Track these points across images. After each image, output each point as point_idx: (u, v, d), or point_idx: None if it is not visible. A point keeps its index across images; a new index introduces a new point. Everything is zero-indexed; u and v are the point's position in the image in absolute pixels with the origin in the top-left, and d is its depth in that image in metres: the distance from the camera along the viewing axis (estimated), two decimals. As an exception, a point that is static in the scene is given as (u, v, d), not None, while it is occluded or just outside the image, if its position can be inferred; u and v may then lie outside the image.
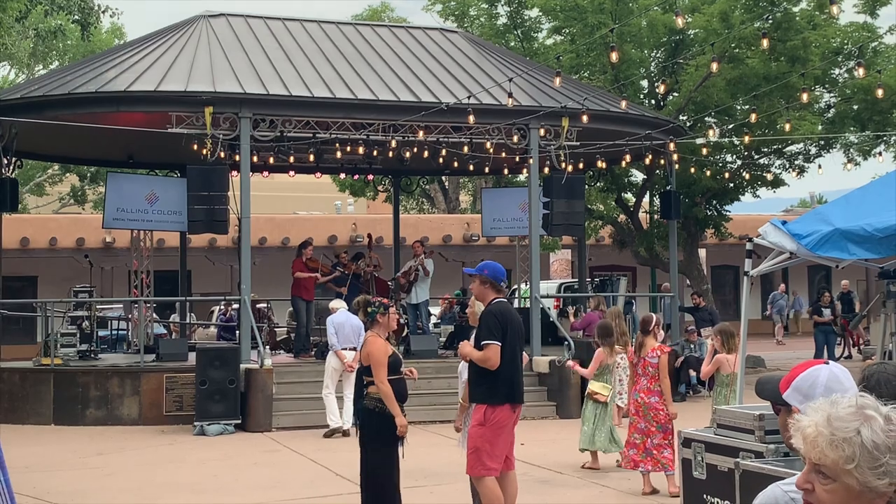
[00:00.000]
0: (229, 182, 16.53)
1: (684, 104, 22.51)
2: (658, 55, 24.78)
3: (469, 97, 16.70)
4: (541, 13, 24.97)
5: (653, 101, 24.35)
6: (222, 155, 16.40)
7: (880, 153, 24.06)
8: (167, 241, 26.04)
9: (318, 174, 23.61)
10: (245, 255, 16.58)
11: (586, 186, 21.02)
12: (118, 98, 16.43)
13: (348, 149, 18.62)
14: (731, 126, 22.63)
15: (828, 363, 3.15)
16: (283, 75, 17.33)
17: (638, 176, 26.21)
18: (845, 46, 22.57)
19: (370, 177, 25.66)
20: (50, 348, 17.13)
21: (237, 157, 16.78)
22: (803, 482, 2.26)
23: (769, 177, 24.45)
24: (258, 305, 22.88)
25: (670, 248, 20.72)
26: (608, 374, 11.99)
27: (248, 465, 12.34)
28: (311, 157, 19.58)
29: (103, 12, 31.58)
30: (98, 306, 20.97)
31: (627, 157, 19.59)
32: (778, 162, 24.86)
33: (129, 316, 21.71)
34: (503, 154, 18.74)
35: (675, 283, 20.47)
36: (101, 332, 21.53)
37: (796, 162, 24.46)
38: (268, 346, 17.93)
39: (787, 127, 18.61)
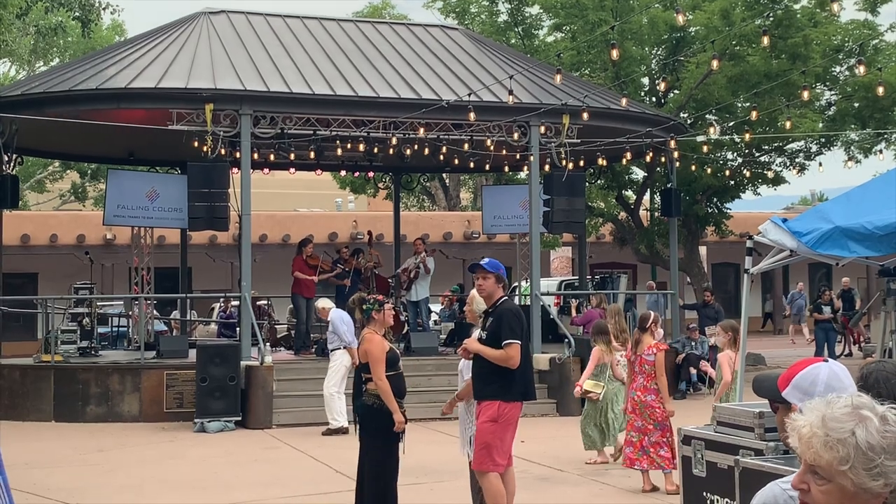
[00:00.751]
0: (230, 179, 16.53)
1: (685, 101, 22.51)
2: (659, 52, 24.78)
3: (470, 94, 16.69)
4: (541, 10, 24.97)
5: (653, 99, 24.34)
6: (223, 152, 16.40)
7: (881, 151, 24.06)
8: (168, 237, 26.05)
9: (319, 171, 23.61)
10: (245, 252, 16.58)
11: (587, 184, 21.01)
12: (119, 95, 16.43)
13: (349, 146, 18.62)
14: (731, 123, 22.62)
15: (827, 361, 3.15)
16: (284, 72, 17.33)
17: (638, 173, 26.22)
18: (846, 44, 22.56)
19: (371, 174, 25.65)
20: (50, 345, 17.14)
21: (238, 154, 16.78)
22: (799, 482, 2.26)
23: (770, 174, 24.44)
24: (259, 303, 22.90)
25: (671, 245, 20.71)
26: (606, 372, 12.00)
27: (248, 462, 12.35)
28: (312, 155, 19.57)
29: (104, 9, 31.60)
30: (98, 303, 20.98)
31: (628, 155, 19.59)
32: (779, 159, 24.86)
33: (130, 313, 21.73)
34: (504, 151, 18.74)
35: (675, 281, 20.46)
36: (102, 329, 21.55)
37: (797, 160, 24.45)
38: (268, 344, 17.93)
39: (788, 124, 18.61)
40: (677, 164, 20.18)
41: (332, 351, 14.59)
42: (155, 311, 23.19)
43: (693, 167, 21.64)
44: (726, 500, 6.15)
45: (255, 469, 11.87)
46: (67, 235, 31.35)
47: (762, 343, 27.98)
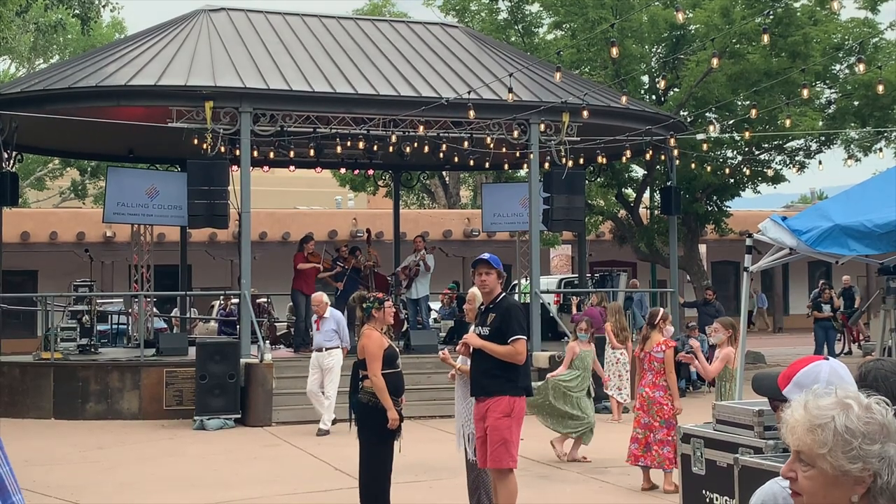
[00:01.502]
0: (229, 177, 16.52)
1: (685, 100, 22.50)
2: (659, 50, 24.78)
3: (469, 92, 16.68)
4: (541, 8, 24.97)
5: (653, 97, 24.33)
6: (223, 149, 16.39)
7: (881, 149, 24.06)
8: (167, 235, 26.05)
9: (319, 169, 23.61)
10: (245, 249, 16.58)
11: (586, 182, 21.01)
12: (118, 92, 16.42)
13: (349, 143, 18.61)
14: (731, 122, 22.62)
15: (828, 359, 3.16)
16: (284, 70, 17.32)
17: (638, 171, 26.22)
18: (846, 42, 22.55)
19: (370, 172, 25.64)
20: (50, 342, 17.14)
21: (237, 152, 16.78)
22: (787, 471, 2.32)
23: (770, 173, 24.44)
24: (258, 300, 22.91)
25: (670, 243, 20.72)
26: (583, 364, 12.04)
27: (247, 460, 12.35)
28: (312, 152, 19.57)
29: (104, 6, 31.52)
30: (98, 301, 20.96)
31: (628, 153, 19.59)
32: (778, 158, 24.85)
33: (130, 310, 21.73)
34: (503, 149, 18.74)
35: (674, 279, 20.46)
36: (101, 327, 21.54)
37: (797, 158, 24.44)
38: (268, 341, 17.93)
39: (788, 123, 18.60)
40: (677, 162, 20.17)
41: (329, 349, 14.43)
42: (155, 309, 23.19)
43: (693, 165, 21.65)
44: (725, 498, 6.15)
45: (254, 466, 11.87)
46: (67, 233, 31.36)
47: (761, 341, 27.98)
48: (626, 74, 22.14)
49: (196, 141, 16.53)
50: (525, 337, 7.68)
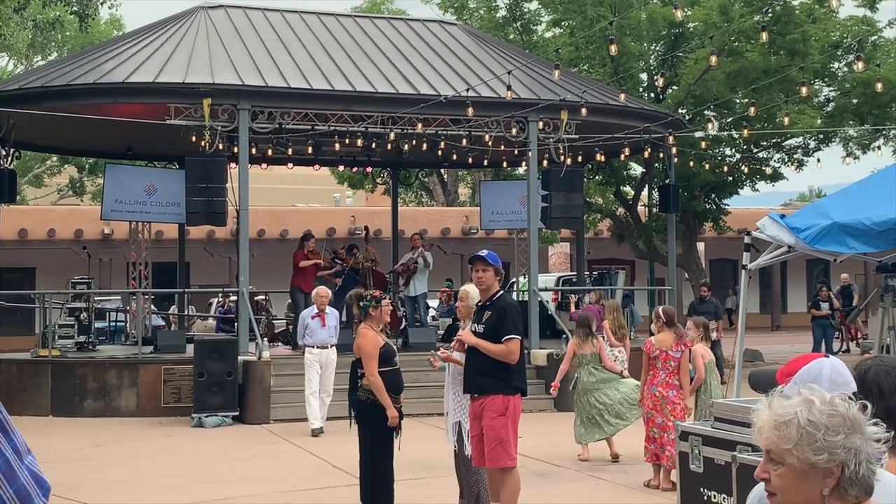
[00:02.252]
0: (228, 174, 16.51)
1: (683, 97, 22.50)
2: (657, 48, 24.77)
3: (468, 90, 16.67)
4: (540, 6, 24.96)
5: (652, 95, 24.33)
6: (221, 147, 16.39)
7: (879, 147, 24.06)
8: (165, 232, 26.03)
9: (317, 166, 23.60)
10: (243, 247, 16.57)
11: (585, 179, 21.01)
12: (117, 89, 16.41)
13: (347, 141, 18.60)
14: (730, 119, 22.62)
15: (828, 357, 3.16)
16: (282, 67, 17.30)
17: (637, 169, 26.21)
18: (845, 40, 22.55)
19: (369, 169, 25.64)
20: (48, 340, 17.14)
21: (236, 149, 16.76)
22: (761, 472, 2.36)
23: (768, 170, 24.44)
24: (256, 298, 22.89)
25: (669, 241, 20.72)
26: (585, 363, 12.00)
27: (245, 457, 12.35)
28: (310, 150, 19.55)
29: (102, 3, 31.49)
30: (96, 298, 20.96)
31: (626, 151, 19.57)
32: (777, 156, 24.86)
33: (128, 308, 21.72)
34: (502, 147, 18.73)
35: (673, 277, 20.46)
36: (99, 324, 21.54)
37: (795, 156, 24.44)
38: (266, 339, 17.91)
39: (787, 120, 18.59)
40: (675, 159, 20.18)
41: (333, 346, 14.22)
42: (152, 306, 23.17)
43: (691, 163, 21.64)
44: (723, 495, 6.16)
45: (252, 464, 11.87)
46: (65, 230, 31.33)
47: (759, 339, 27.96)
48: (624, 72, 22.13)
49: (194, 138, 16.52)
50: (519, 336, 7.63)
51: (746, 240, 8.62)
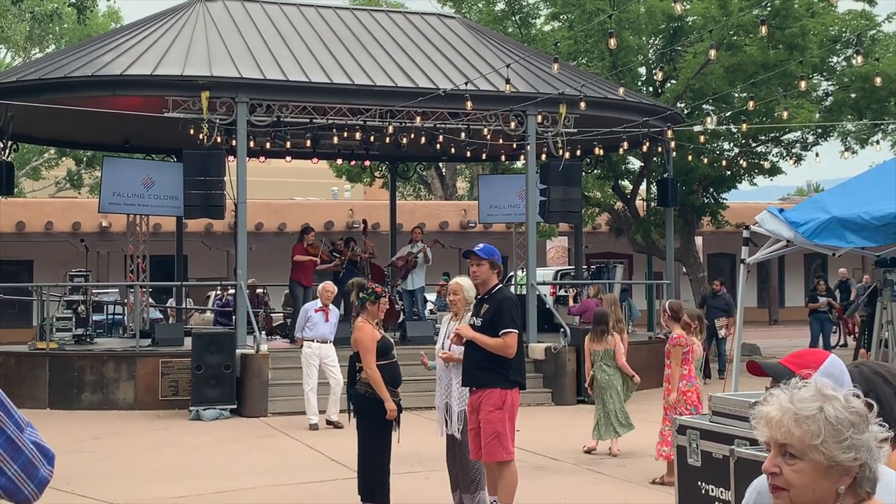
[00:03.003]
0: (226, 167, 16.49)
1: (682, 91, 22.48)
2: (656, 42, 24.75)
3: (466, 83, 16.65)
4: (539, -1, 24.92)
5: (650, 89, 24.31)
6: (219, 140, 16.36)
7: (878, 142, 24.06)
8: (163, 225, 26.03)
9: (315, 160, 23.57)
10: (241, 240, 16.55)
11: (583, 173, 20.99)
12: (114, 82, 16.37)
13: (345, 134, 18.59)
14: (728, 114, 22.61)
15: (830, 353, 3.16)
16: (280, 60, 17.28)
17: (635, 163, 26.20)
18: (843, 34, 22.54)
19: (367, 163, 25.61)
20: (45, 332, 17.11)
21: (234, 142, 16.73)
22: (771, 465, 2.30)
23: (766, 165, 24.43)
24: (258, 291, 22.90)
25: (667, 235, 20.71)
26: (598, 360, 11.99)
27: (243, 450, 12.35)
28: (308, 143, 19.53)
29: (100, -5, 31.45)
30: (94, 291, 20.95)
31: (625, 145, 19.56)
32: (775, 150, 24.85)
33: (125, 300, 21.70)
34: (500, 140, 18.71)
35: (671, 271, 20.46)
36: (97, 317, 21.55)
37: (794, 150, 24.44)
38: (264, 332, 17.90)
39: (785, 115, 18.58)
40: (674, 154, 20.16)
41: (331, 342, 14.08)
42: (150, 299, 23.16)
43: (690, 157, 21.63)
44: (721, 489, 6.15)
45: (249, 457, 11.87)
46: (63, 223, 31.31)
47: (757, 333, 27.96)
48: (623, 66, 22.11)
49: (192, 131, 16.48)
50: (516, 330, 7.60)
51: (745, 234, 8.62)
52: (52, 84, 16.55)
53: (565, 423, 14.11)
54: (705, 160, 22.44)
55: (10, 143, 18.53)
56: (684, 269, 25.01)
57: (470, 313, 8.01)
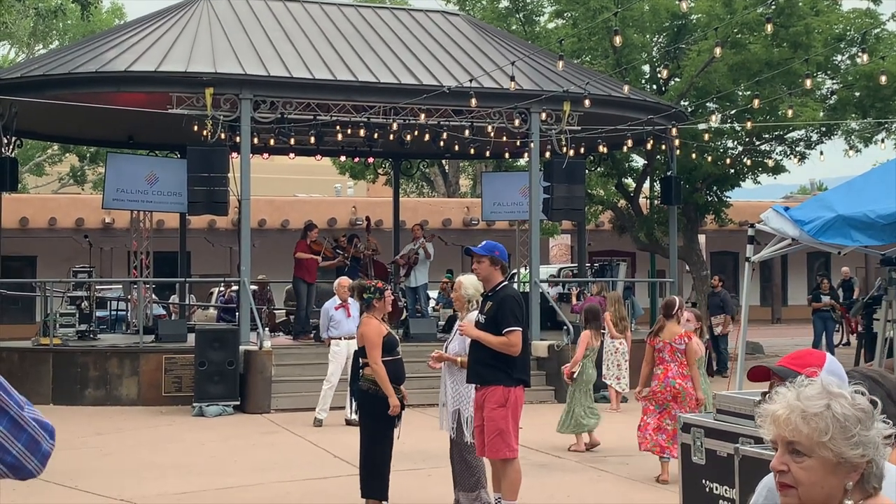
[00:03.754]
0: (229, 163, 16.49)
1: (686, 89, 22.45)
2: (660, 40, 24.71)
3: (471, 80, 16.64)
4: (543, -4, 24.90)
5: (654, 86, 24.29)
6: (223, 136, 16.36)
7: (882, 140, 24.00)
8: (167, 221, 26.02)
9: (319, 156, 23.56)
10: (245, 237, 16.55)
11: (587, 171, 20.98)
12: (119, 78, 16.38)
13: (349, 131, 18.59)
14: (732, 112, 22.57)
15: (827, 354, 3.17)
16: (284, 57, 17.27)
17: (638, 161, 26.18)
18: (848, 33, 22.49)
19: (370, 160, 25.60)
20: (49, 328, 17.13)
21: (238, 139, 16.74)
22: (779, 463, 2.30)
23: (770, 163, 24.40)
24: (265, 287, 22.89)
25: (670, 233, 20.69)
26: (593, 356, 12.03)
27: (246, 447, 12.36)
28: (312, 140, 19.53)
29: (104, -9, 31.49)
30: (97, 287, 20.96)
31: (629, 142, 19.54)
32: (779, 148, 24.81)
33: (129, 297, 21.71)
34: (504, 138, 18.70)
35: (674, 269, 20.45)
36: (100, 313, 21.54)
37: (797, 148, 24.40)
38: (267, 328, 17.90)
39: (790, 113, 18.55)
40: (678, 152, 20.14)
41: (350, 339, 13.99)
42: (154, 295, 23.17)
43: (693, 155, 21.60)
44: (725, 487, 6.15)
45: (252, 453, 11.88)
46: (66, 219, 31.33)
47: (760, 332, 27.94)
48: (627, 64, 22.09)
49: (196, 127, 16.50)
50: (520, 328, 7.58)
51: (750, 232, 8.60)
52: (56, 80, 16.56)
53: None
54: (709, 158, 22.41)
55: (14, 139, 18.52)
56: (687, 268, 24.99)
57: (473, 310, 8.05)
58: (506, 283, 7.91)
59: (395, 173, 25.57)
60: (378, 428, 8.11)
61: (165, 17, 18.37)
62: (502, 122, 17.69)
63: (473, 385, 7.88)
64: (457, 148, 20.88)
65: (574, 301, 21.40)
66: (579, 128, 17.87)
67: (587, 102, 16.59)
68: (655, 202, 24.26)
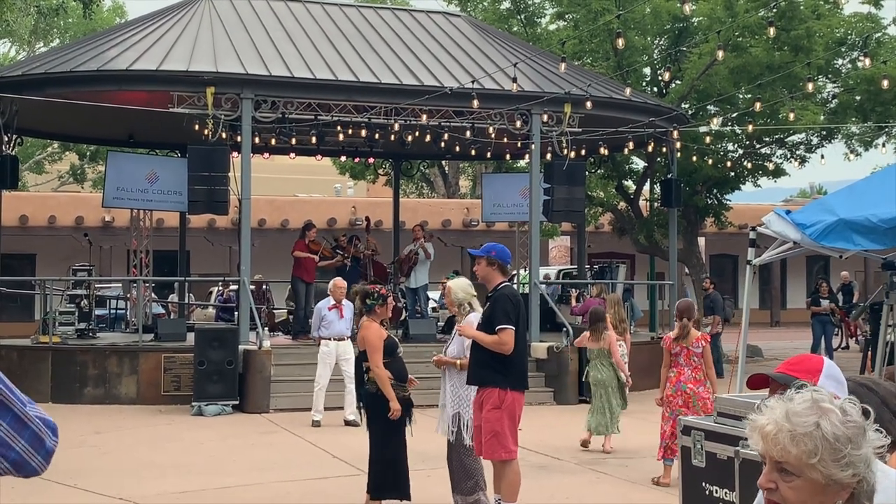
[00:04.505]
0: (230, 163, 16.49)
1: (687, 92, 22.46)
2: (661, 42, 24.73)
3: (472, 82, 16.64)
4: (544, -2, 24.92)
5: (655, 89, 24.30)
6: (223, 135, 16.35)
7: (883, 144, 24.02)
8: (166, 220, 26.02)
9: (319, 157, 23.56)
10: (245, 236, 16.55)
11: (587, 173, 20.99)
12: (120, 77, 16.38)
13: (350, 131, 18.58)
14: (733, 115, 22.59)
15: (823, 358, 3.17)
16: (286, 56, 17.27)
17: (638, 163, 26.19)
18: (849, 37, 22.51)
19: (371, 160, 25.61)
20: (48, 326, 17.13)
21: (238, 138, 16.73)
22: (766, 481, 2.25)
23: (770, 166, 24.42)
24: (263, 287, 22.90)
25: (670, 236, 20.70)
26: (601, 358, 12.01)
27: (245, 446, 12.35)
28: (313, 140, 19.53)
29: (105, -10, 31.47)
30: (96, 285, 20.95)
31: (630, 145, 19.54)
32: (779, 151, 24.83)
33: (128, 295, 21.71)
34: (505, 139, 18.70)
35: (674, 272, 20.46)
36: (100, 311, 21.54)
37: (798, 152, 24.42)
38: (266, 328, 17.90)
39: (791, 116, 18.57)
40: (678, 154, 20.15)
41: (348, 338, 13.85)
42: (153, 294, 23.17)
43: (694, 158, 21.62)
44: (725, 490, 6.15)
45: (251, 453, 11.87)
46: (66, 217, 31.33)
47: (759, 335, 27.94)
48: (628, 66, 22.10)
49: (197, 127, 16.49)
50: (511, 326, 7.55)
51: (751, 235, 8.61)
52: (57, 78, 16.55)
53: (567, 422, 14.09)
54: (709, 161, 22.43)
55: (14, 136, 18.52)
56: (687, 270, 25.01)
57: (469, 313, 8.07)
58: (505, 283, 7.90)
59: (395, 174, 25.58)
60: (391, 428, 8.11)
61: (167, 16, 18.37)
62: (503, 123, 17.69)
63: (474, 386, 7.89)
64: (457, 149, 20.89)
65: (574, 303, 21.40)
66: (580, 130, 17.87)
67: (588, 104, 16.59)
68: (655, 204, 24.27)
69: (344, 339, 13.92)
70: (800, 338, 26.88)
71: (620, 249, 31.03)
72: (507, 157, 23.84)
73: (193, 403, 14.99)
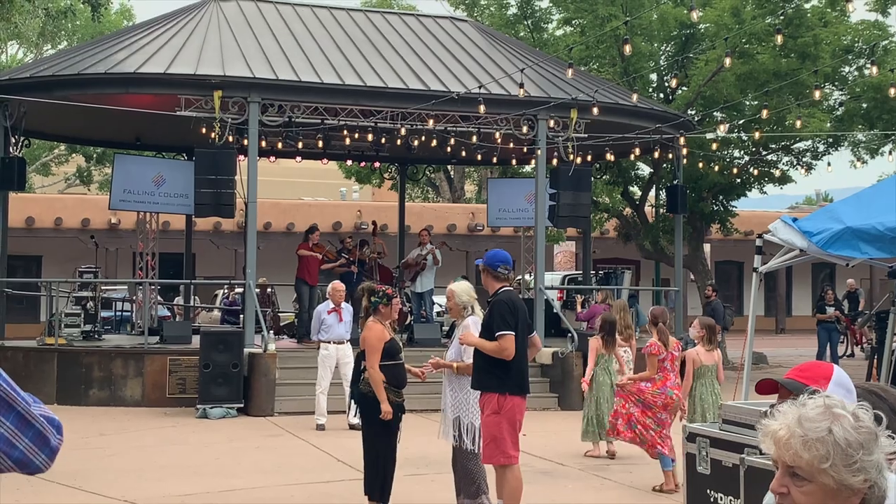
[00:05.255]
0: (237, 166, 16.52)
1: (693, 99, 22.46)
2: (668, 49, 24.73)
3: (479, 87, 16.66)
4: (551, 4, 24.94)
5: (661, 95, 24.30)
6: (230, 139, 16.39)
7: (889, 152, 23.99)
8: (172, 223, 26.08)
9: (325, 160, 23.60)
10: (251, 239, 16.58)
11: (592, 179, 20.99)
12: (128, 80, 16.42)
13: (356, 135, 18.61)
14: (740, 122, 22.58)
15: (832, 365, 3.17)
16: (293, 60, 17.31)
17: (644, 169, 26.19)
18: (856, 44, 22.50)
19: (377, 164, 25.64)
20: (54, 328, 17.14)
21: (245, 142, 16.76)
22: (778, 486, 2.26)
23: (777, 173, 24.40)
24: (268, 290, 22.91)
25: (675, 242, 20.69)
26: (608, 363, 12.04)
27: (250, 449, 12.36)
28: (320, 143, 19.55)
29: (113, -7, 31.54)
30: (102, 287, 20.98)
31: (636, 151, 19.54)
32: (786, 158, 24.82)
33: (134, 297, 21.73)
34: (511, 144, 18.71)
35: (679, 278, 20.45)
36: (105, 313, 21.55)
37: (804, 159, 24.41)
38: (271, 331, 17.90)
39: (799, 124, 18.55)
40: (685, 160, 20.14)
41: (348, 342, 13.90)
42: (158, 297, 23.20)
43: (700, 164, 21.61)
44: (730, 498, 6.15)
45: (256, 456, 11.88)
46: (72, 219, 31.39)
47: (765, 342, 27.91)
48: (634, 72, 22.10)
49: (204, 130, 16.52)
50: (510, 332, 7.58)
51: (758, 242, 8.61)
52: (65, 81, 16.60)
53: (572, 427, 14.06)
54: (716, 167, 22.42)
55: (21, 139, 18.57)
56: (692, 277, 24.99)
57: (470, 317, 8.10)
58: (505, 288, 7.91)
59: (401, 178, 25.60)
60: (381, 431, 8.12)
61: (175, 20, 18.42)
62: (509, 128, 17.70)
63: (476, 391, 7.93)
64: (464, 153, 20.90)
65: (579, 309, 21.40)
66: (586, 135, 17.88)
67: (595, 110, 16.60)
68: (661, 210, 24.26)
69: (343, 343, 13.97)
70: (805, 345, 26.85)
71: (626, 255, 31.03)
72: (513, 162, 23.86)
73: (198, 406, 15.01)
